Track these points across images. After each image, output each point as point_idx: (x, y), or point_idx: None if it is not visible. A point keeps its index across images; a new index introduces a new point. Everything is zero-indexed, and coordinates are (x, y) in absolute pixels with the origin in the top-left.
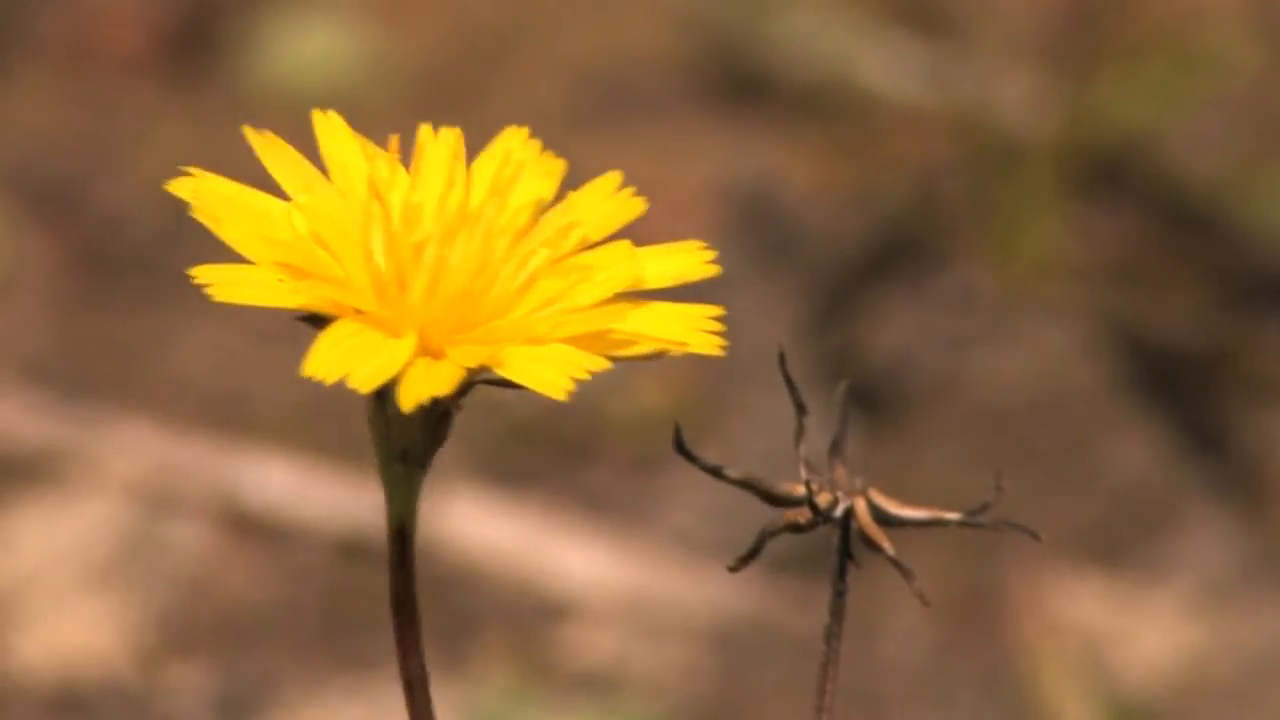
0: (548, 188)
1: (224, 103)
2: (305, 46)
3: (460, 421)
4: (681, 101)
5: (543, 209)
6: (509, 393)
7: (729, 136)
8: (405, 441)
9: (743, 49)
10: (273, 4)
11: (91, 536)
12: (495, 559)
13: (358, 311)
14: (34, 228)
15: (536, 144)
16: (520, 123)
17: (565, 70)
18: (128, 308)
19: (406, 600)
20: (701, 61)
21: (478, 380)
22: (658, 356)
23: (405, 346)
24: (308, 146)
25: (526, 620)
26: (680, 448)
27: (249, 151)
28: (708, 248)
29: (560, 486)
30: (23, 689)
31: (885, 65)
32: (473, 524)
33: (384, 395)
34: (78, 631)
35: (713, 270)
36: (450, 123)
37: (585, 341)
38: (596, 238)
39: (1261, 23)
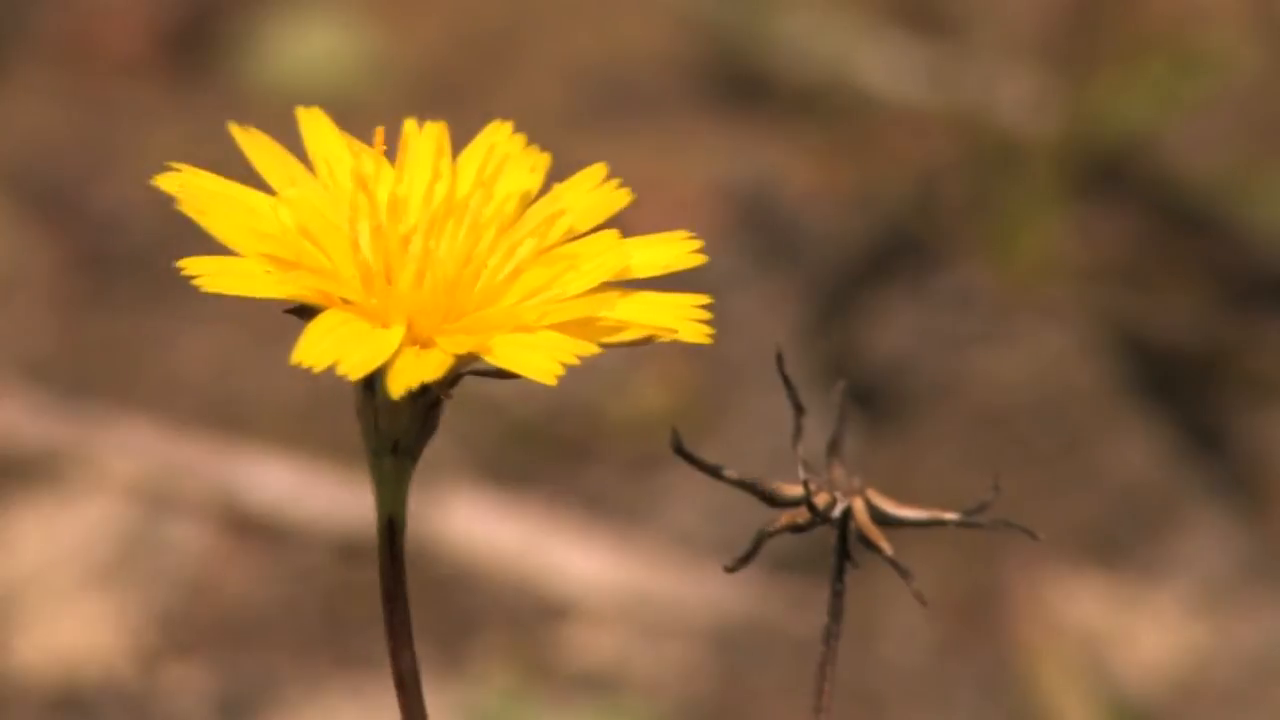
0: (533, 180)
1: (224, 103)
2: (305, 46)
3: (460, 422)
4: (681, 101)
5: (529, 201)
6: (509, 393)
7: (729, 136)
8: (395, 432)
9: (743, 49)
10: (273, 4)
11: (91, 536)
12: (495, 559)
13: (345, 302)
14: (34, 228)
15: (521, 137)
16: (520, 122)
17: (565, 70)
18: (128, 308)
19: (397, 594)
20: (701, 61)
21: (466, 370)
22: (646, 343)
23: (394, 335)
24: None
25: (526, 620)
26: (678, 449)
27: None
28: (694, 237)
29: (560, 486)
30: (23, 689)
31: (885, 65)
32: (473, 524)
33: (373, 386)
34: (78, 631)
35: (699, 260)
36: (450, 123)
37: (573, 329)
38: (583, 228)
39: (1261, 23)
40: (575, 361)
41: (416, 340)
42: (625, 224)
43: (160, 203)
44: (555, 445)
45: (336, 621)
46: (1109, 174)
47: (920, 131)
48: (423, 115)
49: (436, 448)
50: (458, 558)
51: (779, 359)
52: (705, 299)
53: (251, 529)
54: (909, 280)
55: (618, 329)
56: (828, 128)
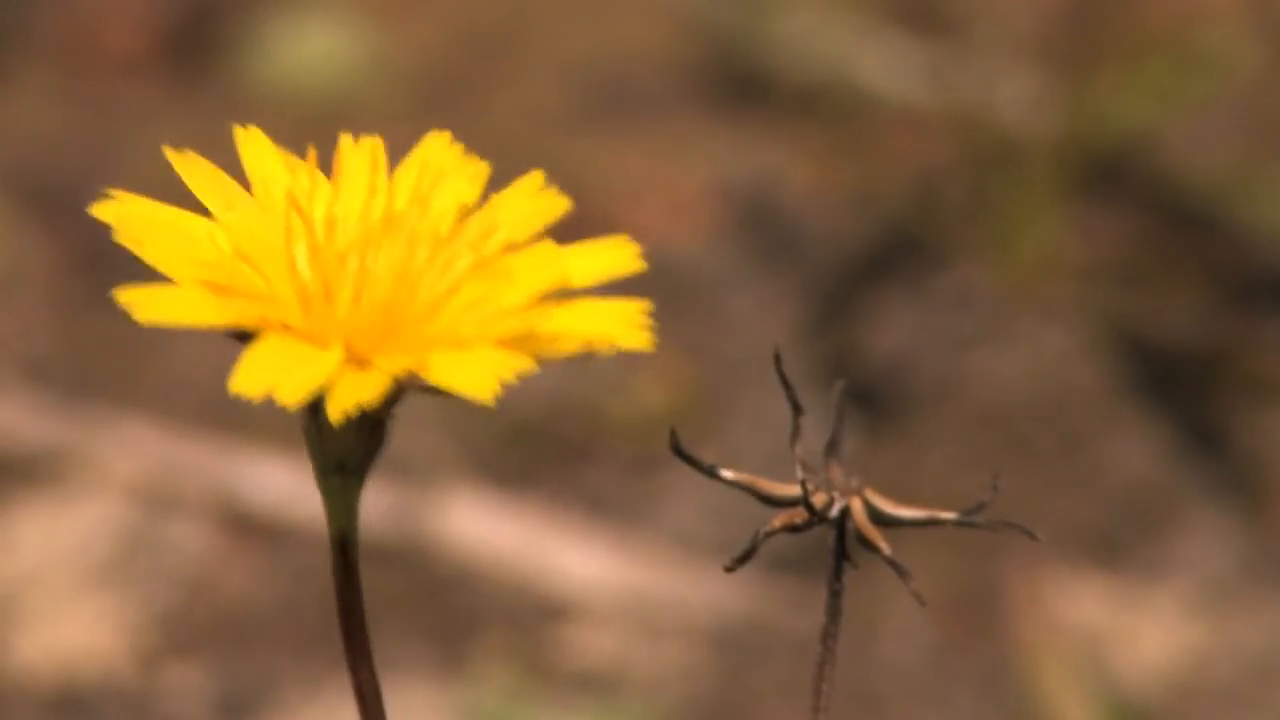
0: (471, 191)
1: (223, 103)
2: (305, 46)
3: (460, 421)
4: (681, 101)
5: (466, 213)
6: (508, 393)
7: (729, 136)
8: (340, 452)
9: (743, 49)
10: (273, 4)
11: (91, 536)
12: (495, 559)
13: (284, 326)
14: (34, 228)
15: (459, 148)
16: (519, 123)
17: (565, 70)
18: None
19: (353, 610)
20: (701, 61)
21: (409, 387)
22: (587, 354)
23: (331, 358)
24: (306, 148)
25: (526, 620)
26: (677, 448)
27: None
28: (633, 242)
29: (560, 486)
30: (23, 689)
31: (885, 65)
32: (473, 524)
33: (316, 407)
34: (78, 631)
35: (639, 265)
36: (449, 123)
37: (512, 343)
38: (521, 239)
39: (1261, 23)
40: (513, 378)
41: (355, 361)
42: (624, 224)
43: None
44: (555, 445)
45: (336, 622)
46: (1109, 174)
47: (920, 131)
48: (422, 115)
49: (436, 448)
50: (457, 558)
51: (777, 359)
52: (645, 304)
53: (251, 529)
54: (909, 280)
55: (556, 341)
56: (828, 128)
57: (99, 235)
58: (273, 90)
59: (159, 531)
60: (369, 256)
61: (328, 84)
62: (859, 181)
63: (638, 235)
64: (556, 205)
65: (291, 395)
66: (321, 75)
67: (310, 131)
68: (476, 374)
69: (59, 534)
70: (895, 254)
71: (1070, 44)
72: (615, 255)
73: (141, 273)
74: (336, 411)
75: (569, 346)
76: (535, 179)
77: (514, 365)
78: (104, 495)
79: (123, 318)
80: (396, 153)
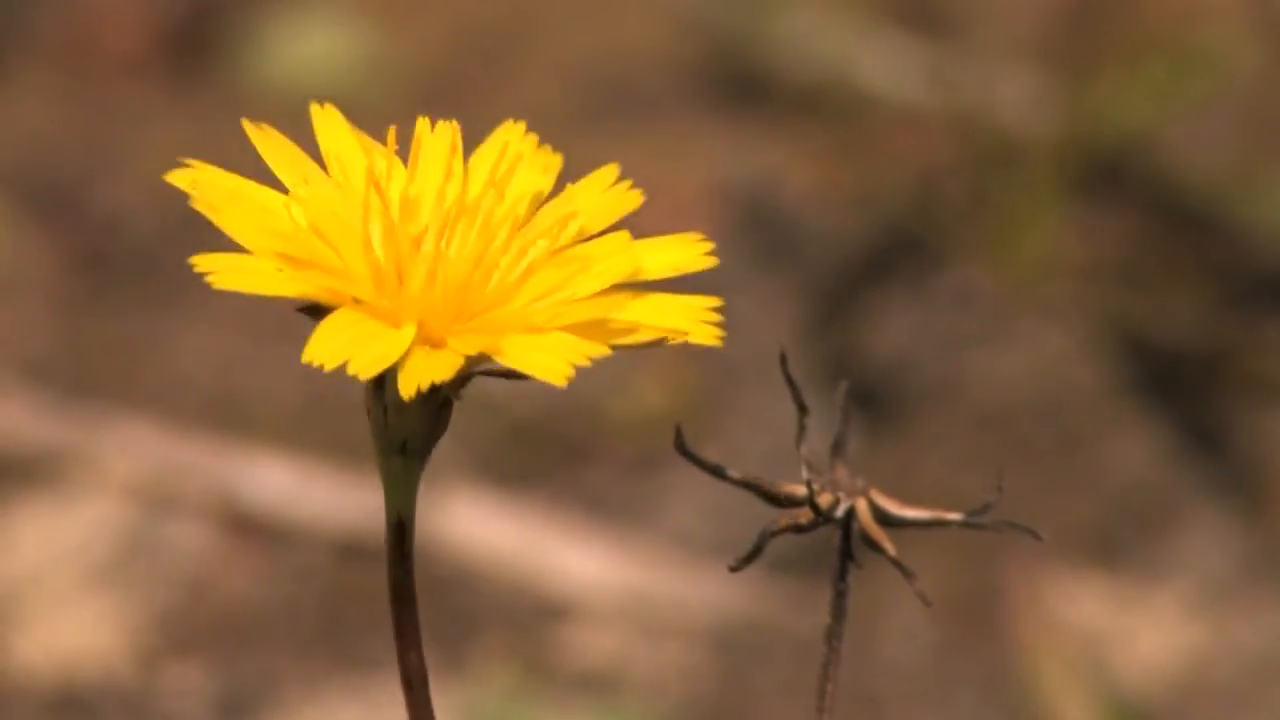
0: (545, 181)
1: (223, 103)
2: (305, 46)
3: (460, 422)
4: (681, 101)
5: (540, 201)
6: (509, 393)
7: (729, 136)
8: (404, 432)
9: (743, 49)
10: (272, 4)
11: (91, 536)
12: (495, 559)
13: (356, 301)
14: (34, 228)
15: (534, 137)
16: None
17: (565, 70)
18: (128, 308)
19: (405, 593)
20: (701, 61)
21: (477, 370)
22: (658, 344)
23: (405, 335)
24: (306, 146)
25: (526, 620)
26: (681, 448)
27: (248, 151)
28: (706, 239)
29: (560, 486)
30: (23, 689)
31: (885, 65)
32: (473, 524)
33: (382, 385)
34: (78, 631)
35: (711, 262)
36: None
37: (584, 330)
38: (594, 229)
39: (1261, 23)
40: (586, 363)
41: (427, 340)
42: (624, 224)
43: (160, 202)
44: (555, 445)
45: (336, 621)
46: (1109, 174)
47: (920, 131)
48: (422, 115)
49: (437, 447)
50: (458, 558)
51: (782, 359)
52: (715, 301)
53: (251, 529)
54: (909, 280)
55: (628, 331)
56: (828, 128)
57: (99, 235)
58: (273, 90)
59: (159, 531)
60: (443, 239)
61: (328, 84)
62: (859, 181)
63: (638, 235)
64: (630, 199)
65: (365, 369)
66: (321, 75)
67: (310, 131)
68: (549, 358)
69: (59, 534)
70: (895, 254)
71: (1070, 44)
72: (687, 250)
73: (142, 273)
74: (409, 387)
75: (643, 337)
76: (609, 172)
77: (586, 350)
78: (104, 495)
79: (123, 318)
80: (396, 154)
